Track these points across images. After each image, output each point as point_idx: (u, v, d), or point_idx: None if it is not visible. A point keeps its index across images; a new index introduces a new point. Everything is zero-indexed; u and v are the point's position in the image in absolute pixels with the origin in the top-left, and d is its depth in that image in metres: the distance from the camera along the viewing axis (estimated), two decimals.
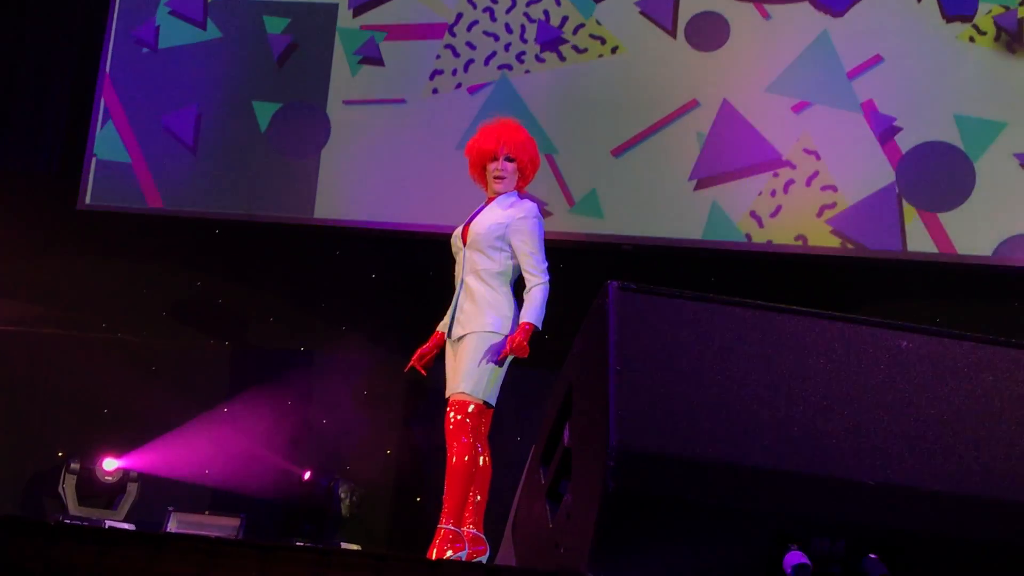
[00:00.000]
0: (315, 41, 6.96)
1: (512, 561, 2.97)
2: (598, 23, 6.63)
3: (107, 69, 7.11)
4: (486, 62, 6.70)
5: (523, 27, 6.68)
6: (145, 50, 7.15)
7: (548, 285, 4.78)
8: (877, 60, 6.27)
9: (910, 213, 6.16)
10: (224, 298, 7.04)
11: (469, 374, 4.67)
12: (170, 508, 6.43)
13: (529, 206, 4.88)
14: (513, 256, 4.81)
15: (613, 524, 2.42)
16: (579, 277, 5.69)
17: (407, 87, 6.79)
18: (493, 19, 6.73)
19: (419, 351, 4.96)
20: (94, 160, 7.04)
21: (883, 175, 6.23)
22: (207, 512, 6.56)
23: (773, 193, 6.29)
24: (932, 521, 2.50)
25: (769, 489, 2.47)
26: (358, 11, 6.93)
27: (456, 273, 4.92)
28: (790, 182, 6.30)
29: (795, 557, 2.43)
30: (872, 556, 2.48)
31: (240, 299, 7.02)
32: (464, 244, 4.86)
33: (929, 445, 2.56)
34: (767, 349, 2.59)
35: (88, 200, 7.03)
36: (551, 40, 6.63)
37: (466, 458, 4.57)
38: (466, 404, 4.66)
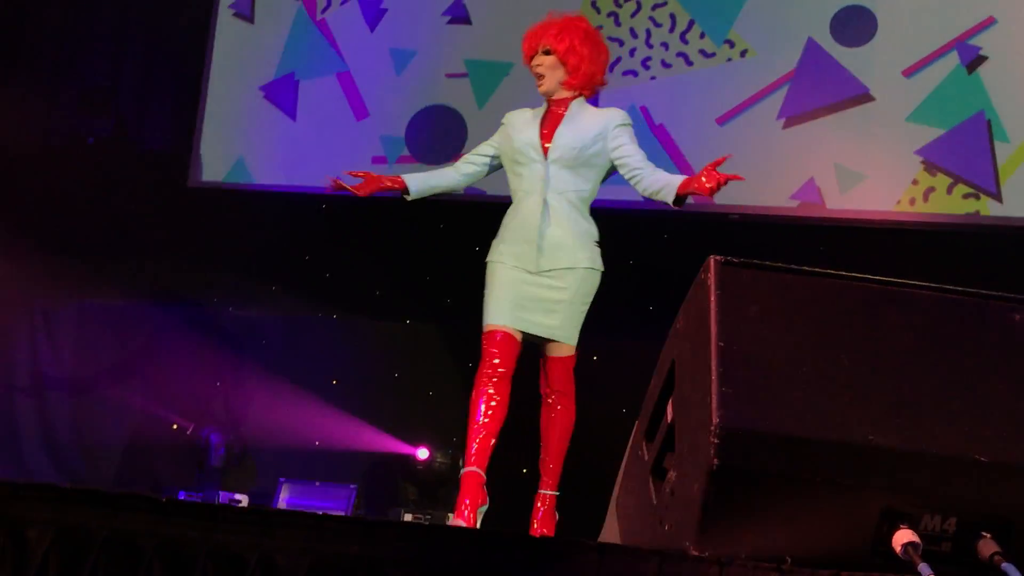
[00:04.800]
0: None
1: (617, 538, 2.97)
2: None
3: (212, 44, 7.25)
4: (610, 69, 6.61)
5: (648, 31, 6.57)
6: (243, 22, 7.26)
7: None
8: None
9: None
10: (331, 272, 7.12)
11: (576, 322, 4.31)
12: (281, 479, 6.55)
13: (622, 113, 4.43)
14: (599, 177, 4.39)
15: (718, 501, 2.41)
16: (684, 249, 5.66)
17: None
18: (618, 23, 6.63)
19: (377, 177, 4.47)
20: (203, 137, 7.18)
21: None
22: (318, 482, 6.67)
23: None
24: None
25: (877, 466, 2.43)
26: None
27: (521, 187, 4.38)
28: None
29: (904, 535, 2.39)
30: (985, 535, 2.43)
31: (346, 272, 7.10)
32: (545, 156, 4.35)
33: None
34: (872, 324, 2.55)
35: (200, 177, 7.16)
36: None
37: (575, 414, 4.35)
38: (574, 358, 4.36)
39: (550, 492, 4.30)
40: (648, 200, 6.34)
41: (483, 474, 4.21)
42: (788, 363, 2.47)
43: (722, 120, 6.34)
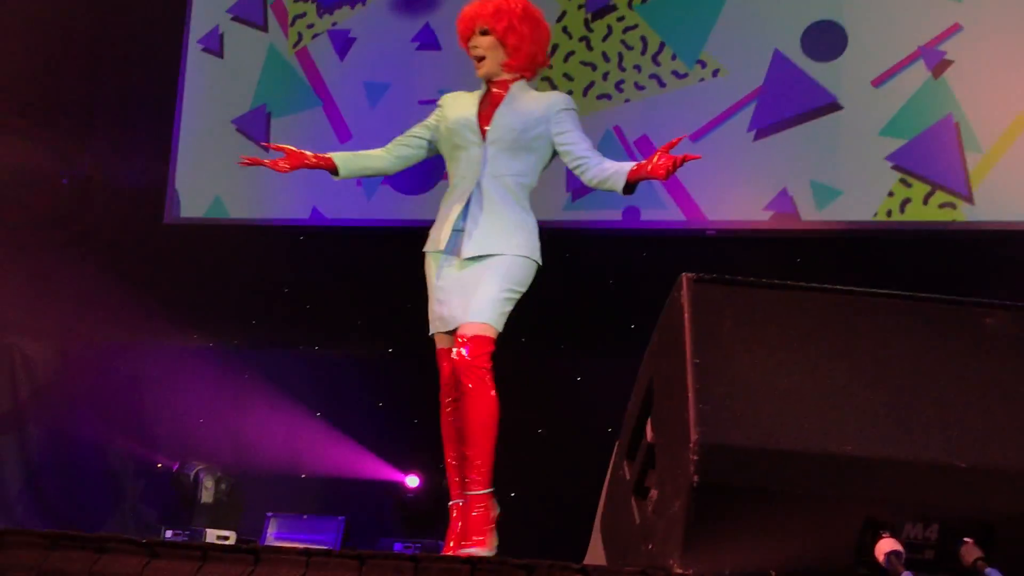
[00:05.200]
0: None
1: (602, 559, 2.96)
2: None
3: (183, 81, 7.25)
4: (584, 93, 6.62)
5: (620, 55, 6.54)
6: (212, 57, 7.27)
7: None
8: None
9: None
10: (311, 303, 7.11)
11: (495, 303, 3.92)
12: (268, 513, 6.52)
13: (566, 97, 4.17)
14: (539, 163, 4.12)
15: (701, 518, 2.42)
16: (662, 266, 5.67)
17: None
18: (590, 48, 6.62)
19: (300, 152, 4.13)
20: (176, 173, 7.17)
21: None
22: (306, 516, 6.64)
23: None
24: None
25: (857, 476, 2.45)
26: None
27: (458, 171, 4.14)
28: None
29: (887, 544, 2.40)
30: (967, 540, 2.44)
31: (326, 304, 7.08)
32: (483, 138, 4.09)
33: (1021, 424, 2.51)
34: (847, 334, 2.56)
35: (174, 214, 7.16)
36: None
37: (496, 403, 3.90)
38: (490, 338, 3.92)
39: (475, 492, 3.91)
40: (627, 219, 6.42)
41: None
42: (764, 377, 2.48)
43: (695, 136, 6.34)
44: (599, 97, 6.54)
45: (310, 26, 7.11)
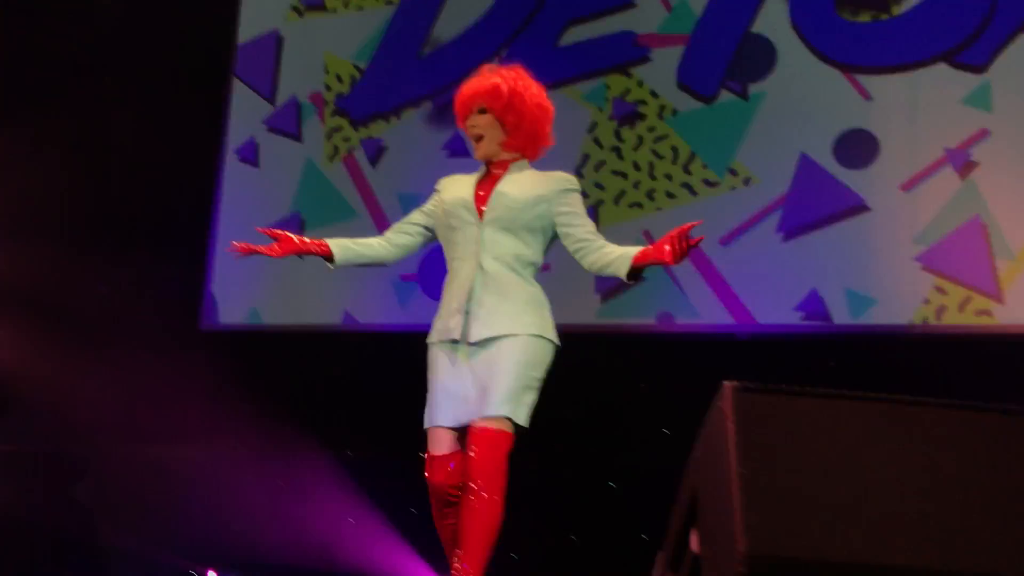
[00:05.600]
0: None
1: None
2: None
3: (220, 190, 7.35)
4: (616, 201, 6.63)
5: (651, 164, 6.57)
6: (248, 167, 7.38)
7: None
8: None
9: None
10: (345, 408, 7.11)
11: (513, 393, 3.69)
12: None
13: (569, 177, 3.99)
14: (542, 243, 3.92)
15: None
16: (695, 370, 5.65)
17: None
18: (620, 157, 6.65)
19: (296, 239, 3.98)
20: (213, 280, 7.25)
21: None
22: None
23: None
24: None
25: None
26: None
27: (455, 254, 3.94)
28: None
29: None
30: None
31: (358, 408, 7.08)
32: (480, 218, 3.89)
33: None
34: (893, 442, 2.55)
35: (211, 321, 7.22)
36: None
37: (502, 512, 3.67)
38: (508, 435, 3.68)
39: None
40: (661, 323, 6.37)
41: None
42: (811, 487, 2.46)
43: (725, 241, 6.36)
44: (631, 205, 6.57)
45: (346, 139, 7.22)
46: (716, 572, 2.52)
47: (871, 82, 6.28)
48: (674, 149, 6.52)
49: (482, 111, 3.95)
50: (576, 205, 3.95)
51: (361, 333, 7.08)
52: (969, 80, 6.12)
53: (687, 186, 6.48)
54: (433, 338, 3.91)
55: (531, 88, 4.00)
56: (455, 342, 3.82)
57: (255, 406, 7.02)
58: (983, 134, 6.06)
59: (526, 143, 3.99)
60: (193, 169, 7.47)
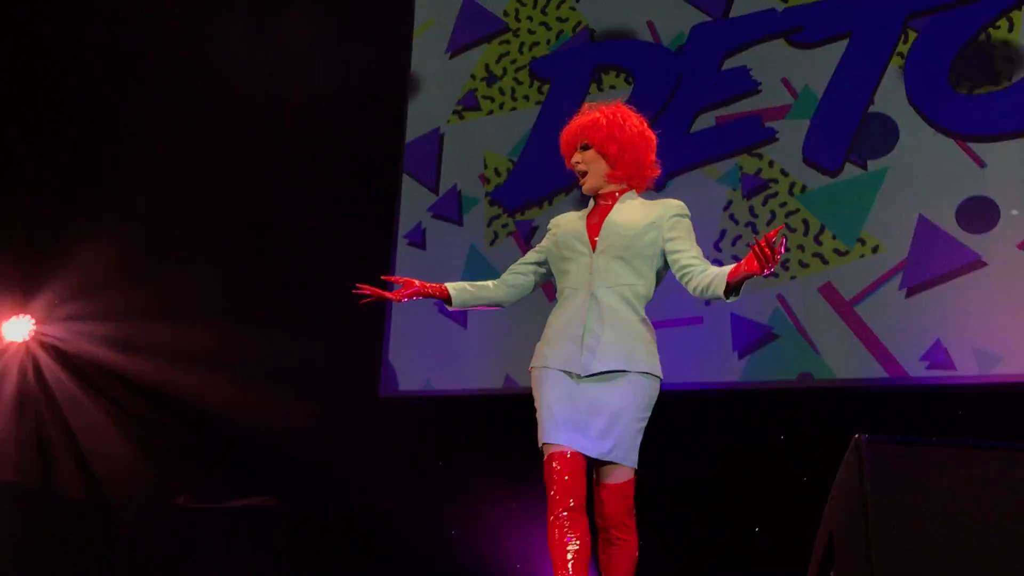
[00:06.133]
0: None
1: None
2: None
3: (394, 271, 7.55)
4: None
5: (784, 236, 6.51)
6: (416, 249, 7.55)
7: None
8: None
9: None
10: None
11: (633, 441, 3.55)
12: None
13: (679, 202, 3.77)
14: (653, 270, 3.70)
15: None
16: (829, 422, 5.59)
17: None
18: (755, 231, 6.63)
19: (417, 283, 3.92)
20: (390, 352, 7.42)
21: None
22: None
23: None
24: None
25: None
26: None
27: (568, 284, 3.73)
28: None
29: None
30: None
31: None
32: (593, 249, 3.71)
33: None
34: (1018, 491, 2.51)
35: (394, 388, 7.36)
36: None
37: (638, 549, 3.54)
38: (634, 481, 3.57)
39: None
40: (800, 380, 6.28)
41: None
42: (938, 533, 2.46)
43: (854, 301, 6.29)
44: (766, 276, 6.52)
45: (504, 225, 7.38)
46: None
47: (985, 150, 6.17)
48: (804, 222, 6.49)
49: (584, 147, 3.81)
50: (684, 231, 3.72)
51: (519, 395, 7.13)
52: None
53: (819, 255, 6.44)
54: (538, 363, 3.69)
55: (631, 119, 3.82)
56: (561, 370, 3.61)
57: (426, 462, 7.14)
58: None
59: (631, 172, 3.80)
60: (371, 253, 7.68)
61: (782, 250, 3.37)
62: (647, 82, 7.01)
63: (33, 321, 7.90)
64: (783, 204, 6.57)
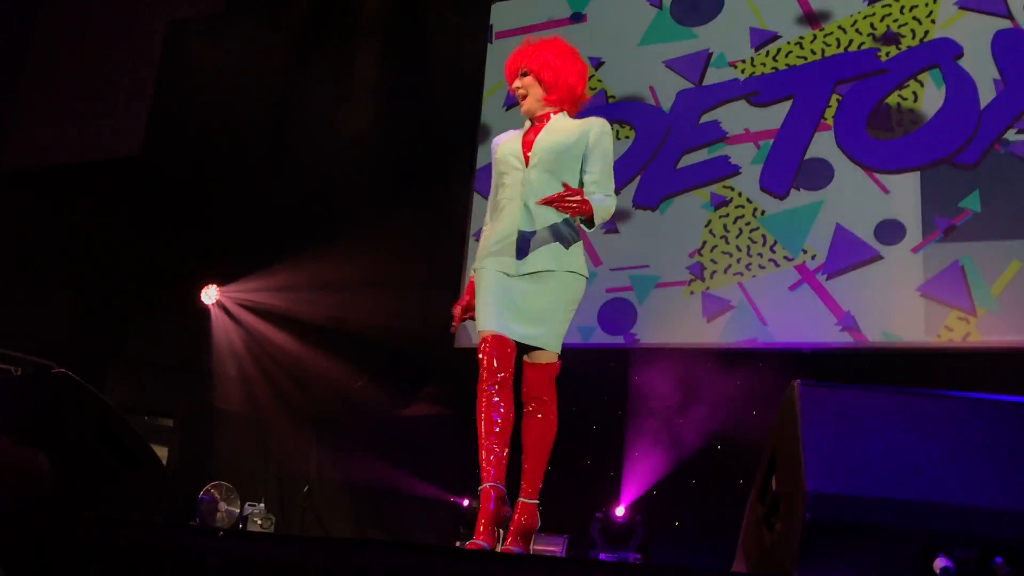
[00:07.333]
0: None
1: (743, 569, 2.90)
2: None
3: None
4: (724, 271, 6.35)
5: (748, 247, 6.33)
6: None
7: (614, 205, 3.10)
8: None
9: None
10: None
11: (559, 331, 3.07)
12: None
13: (601, 120, 3.17)
14: (583, 184, 3.11)
15: (811, 544, 2.36)
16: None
17: None
18: (727, 242, 6.42)
19: (462, 303, 3.20)
20: None
21: None
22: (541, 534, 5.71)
23: None
24: None
25: (923, 515, 2.34)
26: None
27: (504, 195, 3.15)
28: None
29: (942, 561, 2.30)
30: (998, 559, 2.31)
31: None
32: (526, 164, 3.15)
33: None
34: (921, 420, 2.47)
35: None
36: None
37: (556, 425, 3.05)
38: (558, 364, 3.09)
39: (530, 501, 3.01)
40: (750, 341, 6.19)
41: (501, 487, 2.94)
42: (857, 447, 2.41)
43: (792, 287, 6.18)
44: (735, 274, 6.45)
45: None
46: (789, 504, 2.50)
47: (890, 180, 6.07)
48: (763, 236, 6.40)
49: (524, 73, 3.24)
50: (600, 152, 3.15)
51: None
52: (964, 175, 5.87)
53: (773, 260, 6.33)
54: (486, 266, 3.12)
55: (564, 49, 3.26)
56: (497, 270, 3.09)
57: None
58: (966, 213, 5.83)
59: (563, 97, 3.23)
60: (452, 247, 7.47)
61: (566, 204, 2.94)
62: (646, 131, 6.95)
63: (217, 289, 7.76)
64: (748, 223, 6.47)
